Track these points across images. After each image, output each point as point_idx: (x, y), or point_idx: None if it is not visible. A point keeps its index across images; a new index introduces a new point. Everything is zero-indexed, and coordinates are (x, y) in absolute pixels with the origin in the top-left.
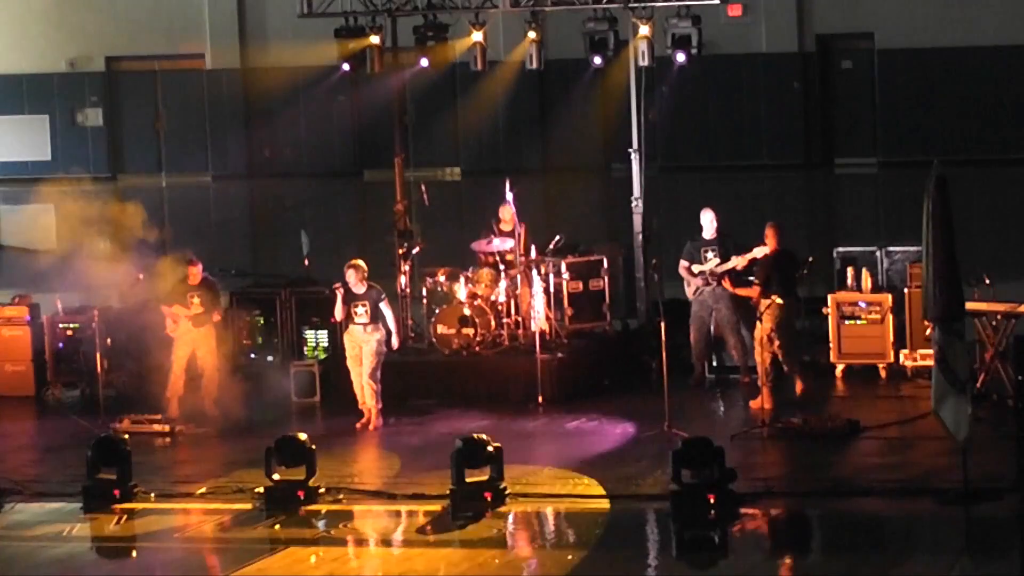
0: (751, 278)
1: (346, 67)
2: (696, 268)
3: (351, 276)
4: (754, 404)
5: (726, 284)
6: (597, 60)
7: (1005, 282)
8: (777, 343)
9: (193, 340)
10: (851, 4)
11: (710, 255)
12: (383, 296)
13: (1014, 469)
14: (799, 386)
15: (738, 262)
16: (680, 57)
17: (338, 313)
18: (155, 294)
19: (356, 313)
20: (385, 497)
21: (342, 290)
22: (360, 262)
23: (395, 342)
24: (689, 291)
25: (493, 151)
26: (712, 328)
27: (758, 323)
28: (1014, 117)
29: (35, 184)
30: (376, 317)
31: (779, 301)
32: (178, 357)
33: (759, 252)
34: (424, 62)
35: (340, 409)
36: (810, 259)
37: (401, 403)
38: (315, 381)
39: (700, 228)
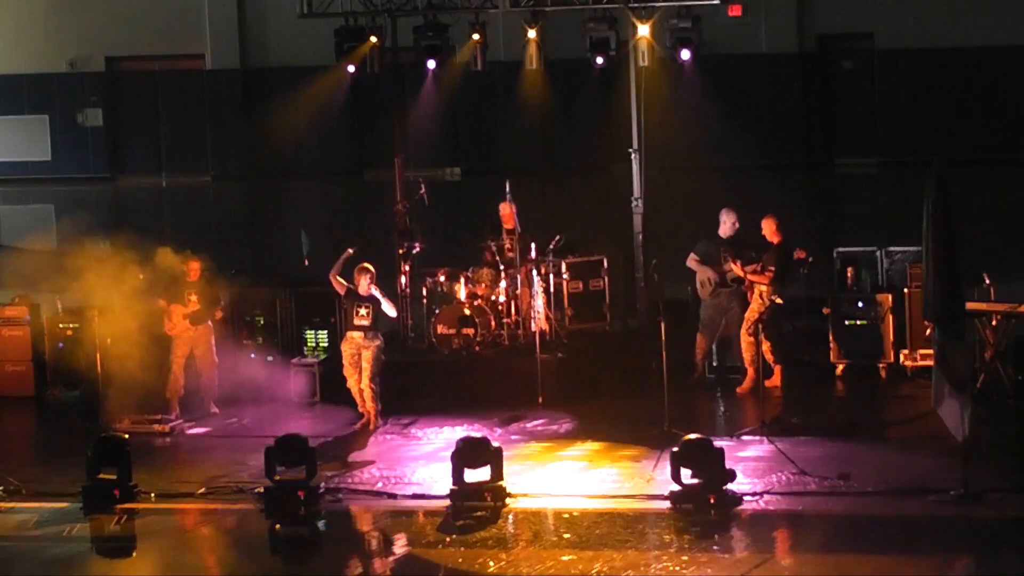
0: (771, 267)
1: (352, 69)
2: (712, 270)
3: (363, 280)
4: (741, 389)
5: (736, 268)
6: (599, 60)
7: (1005, 282)
8: (767, 336)
9: (191, 339)
10: (851, 4)
11: (728, 255)
12: (385, 296)
13: (1014, 469)
14: (778, 377)
15: (748, 272)
16: (683, 54)
17: (335, 268)
18: (153, 291)
19: (358, 314)
20: (385, 497)
21: (351, 252)
22: (370, 266)
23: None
24: (704, 291)
25: (493, 151)
26: (721, 328)
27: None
28: (1014, 117)
29: (35, 184)
30: (377, 322)
31: (779, 301)
32: (177, 356)
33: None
34: (431, 64)
35: (340, 409)
36: (810, 259)
37: (401, 403)
38: (315, 381)
39: (717, 225)
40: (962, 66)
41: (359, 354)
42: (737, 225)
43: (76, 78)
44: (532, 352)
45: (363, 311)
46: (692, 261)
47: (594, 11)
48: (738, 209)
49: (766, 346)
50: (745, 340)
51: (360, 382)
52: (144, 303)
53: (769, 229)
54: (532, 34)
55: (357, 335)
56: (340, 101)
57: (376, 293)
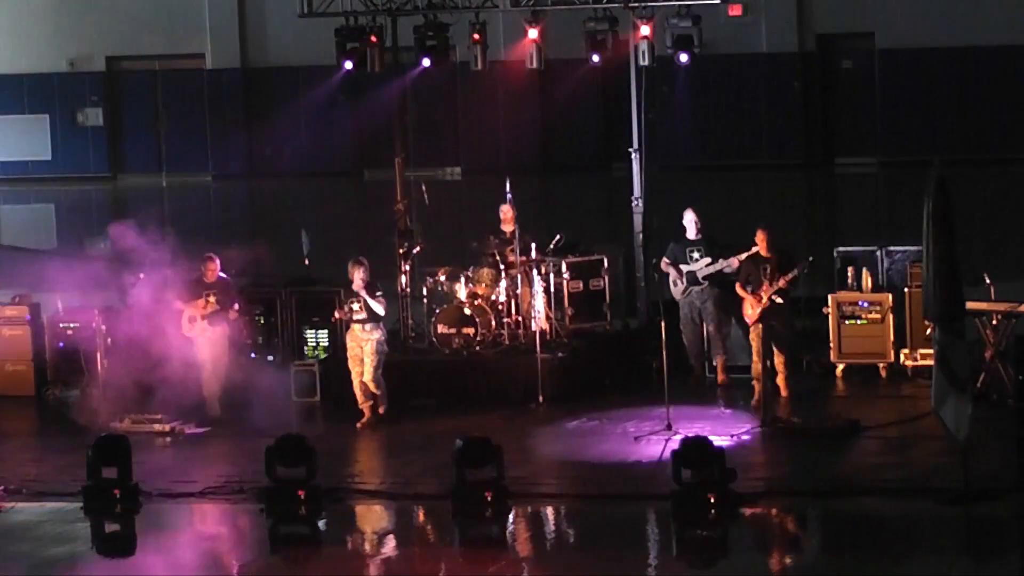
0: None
1: (349, 66)
2: (685, 268)
3: (356, 274)
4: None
5: (766, 290)
6: (596, 59)
7: (1005, 282)
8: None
9: (211, 340)
10: (851, 4)
11: (696, 255)
12: (377, 293)
13: (1014, 469)
14: (785, 390)
15: (725, 265)
16: (681, 57)
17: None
18: (172, 291)
19: (352, 310)
20: (386, 497)
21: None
22: (363, 260)
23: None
24: (676, 291)
25: (493, 150)
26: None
27: (774, 325)
28: (1014, 117)
29: (35, 184)
30: (373, 314)
31: (779, 301)
32: (204, 359)
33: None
34: (426, 62)
35: (340, 409)
36: (810, 259)
37: (401, 403)
38: (315, 381)
39: (684, 229)
40: (962, 66)
41: (360, 347)
42: (699, 223)
43: (76, 77)
44: (532, 352)
45: (356, 305)
46: (663, 264)
47: (594, 10)
48: (731, 207)
49: (780, 358)
50: (779, 359)
51: (362, 376)
52: (146, 303)
53: (761, 242)
54: (532, 33)
55: (356, 327)
56: (340, 101)
57: (363, 293)
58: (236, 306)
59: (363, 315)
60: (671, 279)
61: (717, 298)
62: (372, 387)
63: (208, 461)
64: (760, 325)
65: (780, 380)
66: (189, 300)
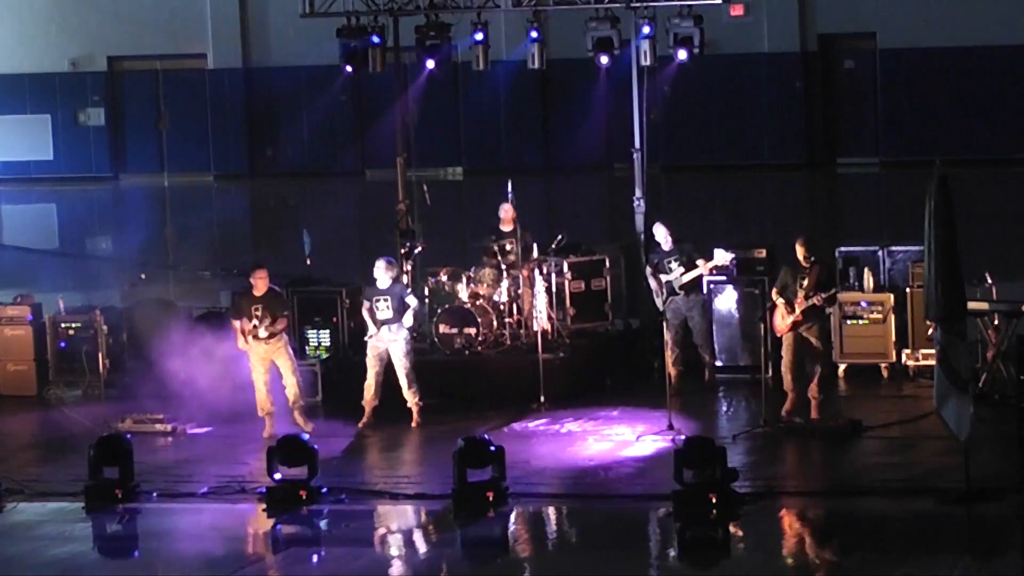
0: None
1: (348, 69)
2: (664, 278)
3: (382, 271)
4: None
5: (800, 304)
6: (604, 59)
7: (1007, 282)
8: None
9: (266, 353)
10: (853, 4)
11: (673, 265)
12: (408, 290)
13: (1016, 469)
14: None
15: (703, 269)
16: (682, 56)
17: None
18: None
19: (378, 308)
20: (387, 497)
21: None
22: (392, 259)
23: (410, 320)
24: (659, 301)
25: (495, 151)
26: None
27: (806, 336)
28: (1015, 117)
29: (37, 184)
30: (401, 313)
31: (777, 301)
32: (258, 374)
33: (720, 259)
34: (430, 64)
35: (342, 409)
36: (812, 259)
37: (402, 403)
38: (317, 381)
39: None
40: (964, 65)
41: (386, 347)
42: (670, 235)
43: (78, 77)
44: (534, 352)
45: (382, 304)
46: (647, 273)
47: (596, 11)
48: (732, 207)
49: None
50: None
51: (379, 376)
52: (147, 302)
53: (801, 253)
54: (534, 33)
55: (382, 328)
56: (342, 101)
57: (411, 301)
58: (283, 320)
59: (389, 314)
60: (654, 290)
61: (702, 307)
62: (408, 389)
63: (210, 461)
64: (792, 335)
65: (812, 389)
66: (239, 315)
